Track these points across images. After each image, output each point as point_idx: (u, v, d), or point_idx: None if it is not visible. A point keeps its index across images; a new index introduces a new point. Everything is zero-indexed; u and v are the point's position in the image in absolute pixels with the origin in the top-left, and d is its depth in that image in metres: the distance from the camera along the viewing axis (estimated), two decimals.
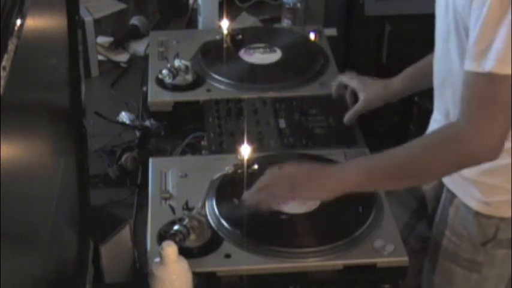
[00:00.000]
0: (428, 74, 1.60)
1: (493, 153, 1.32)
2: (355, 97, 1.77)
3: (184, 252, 1.33)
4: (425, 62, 1.68)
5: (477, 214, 1.52)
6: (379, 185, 1.47)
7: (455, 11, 1.38)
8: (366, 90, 1.74)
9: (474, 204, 1.52)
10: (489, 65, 1.26)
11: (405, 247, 1.41)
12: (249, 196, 1.43)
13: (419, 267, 1.69)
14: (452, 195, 1.57)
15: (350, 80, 1.79)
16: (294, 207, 1.46)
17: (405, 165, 1.39)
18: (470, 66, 1.30)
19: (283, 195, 1.43)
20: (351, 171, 1.41)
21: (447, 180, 1.57)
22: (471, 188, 1.51)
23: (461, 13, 1.35)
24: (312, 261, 1.38)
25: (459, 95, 1.36)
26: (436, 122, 1.61)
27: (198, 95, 1.83)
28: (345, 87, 1.81)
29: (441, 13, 1.49)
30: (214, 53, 1.98)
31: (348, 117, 1.74)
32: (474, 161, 1.36)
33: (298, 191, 1.41)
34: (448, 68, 1.48)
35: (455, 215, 1.57)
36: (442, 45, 1.50)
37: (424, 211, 1.73)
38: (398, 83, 1.74)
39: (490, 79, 1.27)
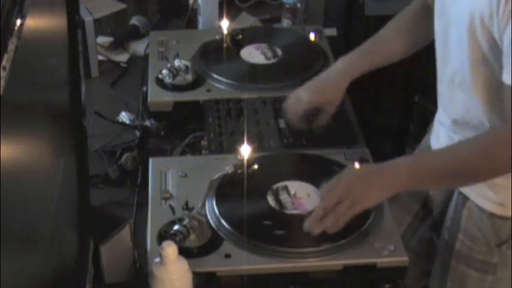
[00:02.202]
0: (377, 51, 1.65)
1: None
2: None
3: (184, 252, 1.33)
4: (373, 40, 1.71)
5: (492, 215, 1.52)
6: (427, 187, 1.57)
7: (473, 17, 1.35)
8: (326, 100, 1.67)
9: (488, 206, 1.51)
10: None
11: (408, 250, 1.40)
12: (314, 226, 1.39)
13: (422, 270, 1.69)
14: (465, 198, 1.56)
15: (303, 104, 1.67)
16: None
17: (454, 168, 1.39)
18: None
19: (345, 215, 1.38)
20: (401, 174, 1.39)
21: None
22: (485, 190, 1.50)
23: (486, 21, 1.33)
24: (312, 261, 1.38)
25: (473, 100, 1.34)
26: (443, 125, 1.59)
27: (198, 95, 1.83)
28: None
29: (437, 13, 1.48)
30: (214, 53, 1.97)
31: (319, 123, 1.69)
32: None
33: (359, 205, 1.38)
34: (454, 71, 1.47)
35: (469, 218, 1.55)
36: (442, 45, 1.49)
37: (426, 214, 1.72)
38: (349, 71, 1.67)
39: None
